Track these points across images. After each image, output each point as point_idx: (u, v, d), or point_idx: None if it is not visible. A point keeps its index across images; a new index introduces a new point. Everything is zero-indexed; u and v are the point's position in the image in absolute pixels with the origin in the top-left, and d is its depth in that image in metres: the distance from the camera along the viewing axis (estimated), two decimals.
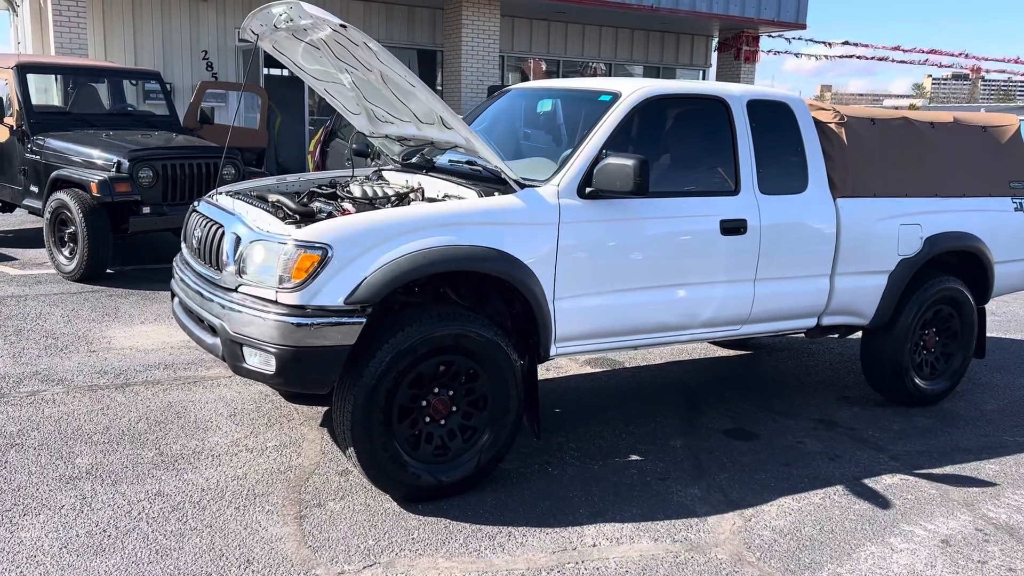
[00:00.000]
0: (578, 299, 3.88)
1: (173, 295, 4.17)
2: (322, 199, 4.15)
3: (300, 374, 3.37)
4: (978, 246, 5.18)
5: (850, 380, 5.76)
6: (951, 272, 5.26)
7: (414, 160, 4.77)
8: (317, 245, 3.32)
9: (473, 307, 3.90)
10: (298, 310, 3.30)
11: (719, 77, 19.91)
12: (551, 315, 3.80)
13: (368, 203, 4.00)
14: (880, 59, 22.59)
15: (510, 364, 3.66)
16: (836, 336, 5.35)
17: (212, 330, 3.61)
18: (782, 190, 4.46)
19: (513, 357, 3.68)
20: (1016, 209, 5.46)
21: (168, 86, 10.21)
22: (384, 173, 4.77)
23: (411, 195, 4.09)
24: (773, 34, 19.71)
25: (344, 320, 3.32)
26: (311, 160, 12.26)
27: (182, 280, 4.01)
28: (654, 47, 20.04)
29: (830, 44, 21.24)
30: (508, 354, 3.65)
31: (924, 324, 5.14)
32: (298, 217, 3.68)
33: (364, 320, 3.34)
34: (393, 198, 4.06)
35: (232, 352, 3.47)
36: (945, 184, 5.15)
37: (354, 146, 5.67)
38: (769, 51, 19.97)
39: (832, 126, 4.72)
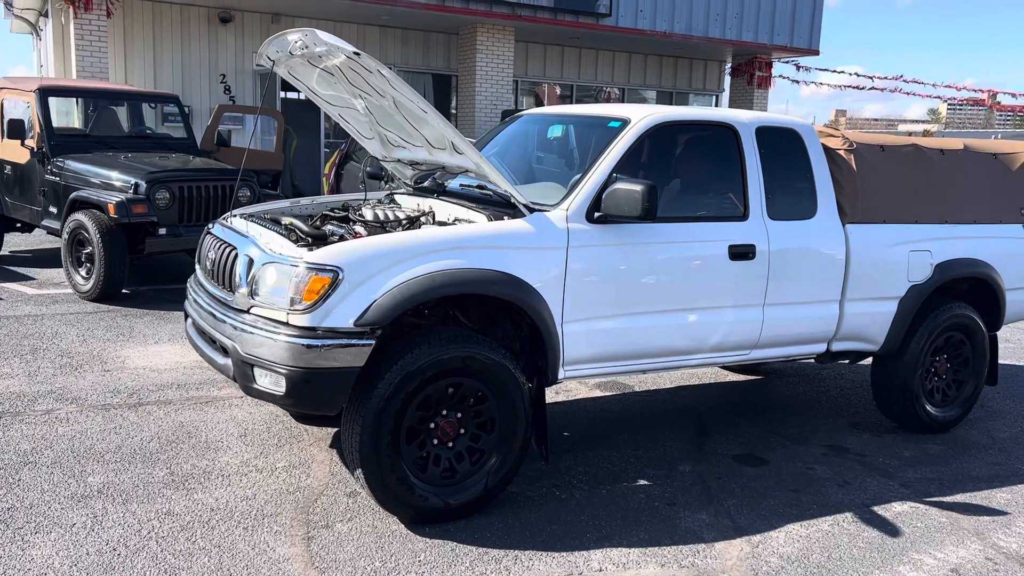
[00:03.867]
0: (586, 323, 3.90)
1: (187, 316, 4.23)
2: (334, 222, 4.20)
3: (310, 395, 3.40)
4: (989, 273, 5.17)
5: (861, 406, 5.73)
6: (962, 299, 5.25)
7: (426, 184, 4.82)
8: (328, 267, 3.36)
9: (482, 330, 3.93)
10: (309, 332, 3.34)
11: (732, 102, 19.99)
12: (559, 338, 3.82)
13: (379, 226, 4.05)
14: (892, 91, 22.69)
15: (518, 387, 3.68)
16: (846, 362, 5.34)
17: (224, 351, 3.66)
18: (791, 216, 4.48)
19: (521, 380, 3.70)
20: None
21: (186, 109, 10.36)
22: (396, 197, 4.83)
23: (422, 219, 4.14)
24: (786, 60, 19.79)
25: (354, 342, 3.35)
26: (326, 183, 12.38)
27: (196, 301, 4.06)
28: (667, 72, 20.16)
29: (836, 72, 21.32)
30: (516, 377, 3.67)
31: (935, 351, 5.12)
32: (310, 240, 3.73)
33: (374, 342, 3.38)
34: (404, 221, 4.11)
35: (243, 373, 3.51)
36: (955, 211, 5.15)
37: (368, 169, 5.74)
38: (779, 76, 20.03)
39: (841, 152, 4.75)
